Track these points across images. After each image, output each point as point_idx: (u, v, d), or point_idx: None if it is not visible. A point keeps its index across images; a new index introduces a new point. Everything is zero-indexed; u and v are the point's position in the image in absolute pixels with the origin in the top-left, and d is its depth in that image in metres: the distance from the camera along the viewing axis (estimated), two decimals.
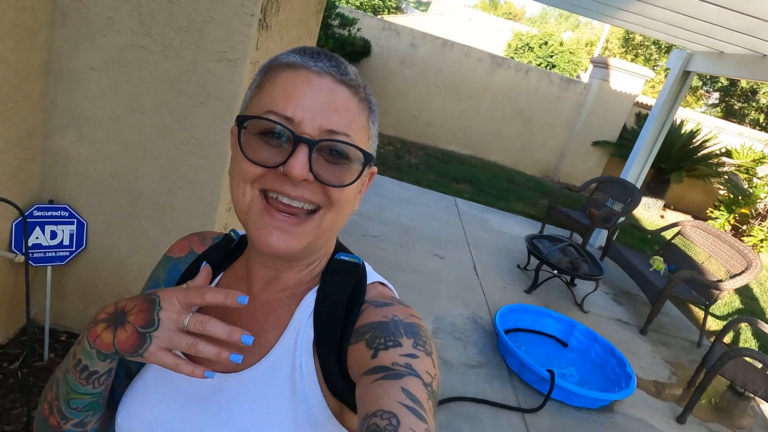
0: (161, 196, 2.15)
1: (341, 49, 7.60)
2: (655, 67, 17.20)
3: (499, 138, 9.40)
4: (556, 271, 4.24)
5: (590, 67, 9.87)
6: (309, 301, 0.64)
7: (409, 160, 8.07)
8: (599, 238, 6.27)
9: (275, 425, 0.58)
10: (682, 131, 8.83)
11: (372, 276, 0.67)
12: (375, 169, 0.63)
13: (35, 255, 2.09)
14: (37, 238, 2.08)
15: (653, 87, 18.56)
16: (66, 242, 2.17)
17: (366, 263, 0.68)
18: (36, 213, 2.06)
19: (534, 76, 9.16)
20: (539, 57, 15.62)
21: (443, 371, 3.05)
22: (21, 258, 1.99)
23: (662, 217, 9.16)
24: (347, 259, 0.66)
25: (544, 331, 3.77)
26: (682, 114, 9.43)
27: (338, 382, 0.58)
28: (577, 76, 15.05)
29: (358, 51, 8.17)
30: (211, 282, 0.70)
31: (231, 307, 0.64)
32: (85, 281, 2.31)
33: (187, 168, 2.10)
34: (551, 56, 15.55)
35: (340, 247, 0.70)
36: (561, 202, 7.46)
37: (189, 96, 1.99)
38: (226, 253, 0.72)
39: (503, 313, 3.60)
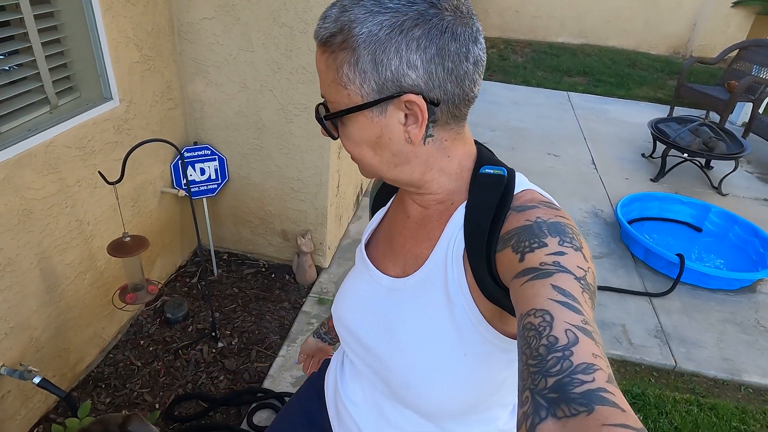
0: (281, 125, 2.40)
1: None
2: None
3: (617, 19, 8.42)
4: (686, 155, 3.92)
5: None
6: (458, 215, 0.67)
7: (514, 60, 7.65)
8: (742, 113, 5.55)
9: (434, 326, 0.67)
10: None
11: (522, 185, 0.66)
12: (410, 96, 0.58)
13: (192, 190, 2.49)
14: (190, 175, 2.47)
15: None
16: (213, 176, 2.54)
17: (518, 173, 0.69)
18: (186, 154, 2.43)
19: None
20: None
21: None
22: (182, 193, 2.39)
23: None
24: (491, 171, 0.67)
25: (673, 218, 3.59)
26: None
27: (491, 289, 0.61)
28: None
29: None
30: (385, 203, 0.85)
31: (394, 224, 0.79)
32: (233, 208, 2.70)
33: (299, 96, 2.30)
34: None
35: (486, 159, 0.70)
36: (693, 79, 6.65)
37: (290, 27, 2.15)
38: None
39: (625, 203, 3.47)
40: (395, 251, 0.76)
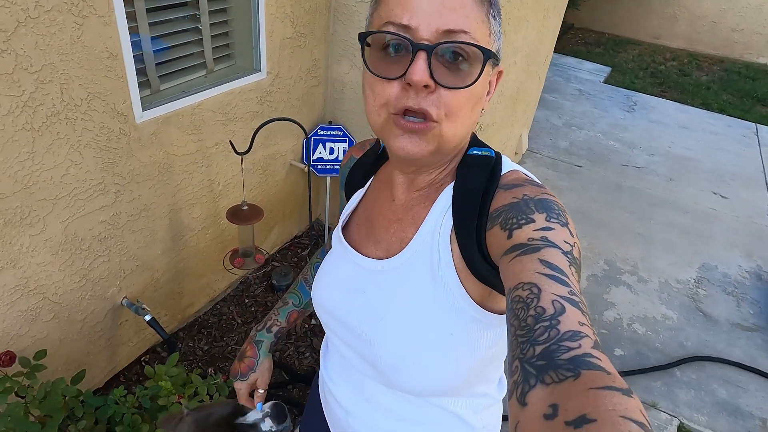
0: None
1: None
2: None
3: None
4: None
5: None
6: (445, 196, 0.67)
7: (697, 78, 6.72)
8: None
9: (421, 306, 0.66)
10: None
11: (508, 165, 0.66)
12: (501, 68, 0.63)
13: (318, 167, 2.55)
14: (320, 153, 2.53)
15: None
16: (340, 157, 2.58)
17: (504, 155, 0.69)
18: (320, 132, 2.49)
19: None
20: None
21: (703, 325, 2.67)
22: (307, 168, 2.46)
23: None
24: (480, 153, 0.67)
25: None
26: None
27: (482, 268, 0.61)
28: None
29: None
30: (363, 185, 0.81)
31: (376, 206, 0.76)
32: None
33: None
34: None
35: (474, 142, 0.70)
36: None
37: None
38: (375, 158, 0.80)
39: None
40: (378, 234, 0.74)
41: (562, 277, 0.46)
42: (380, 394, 0.77)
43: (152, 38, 1.65)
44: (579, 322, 0.42)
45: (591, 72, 6.42)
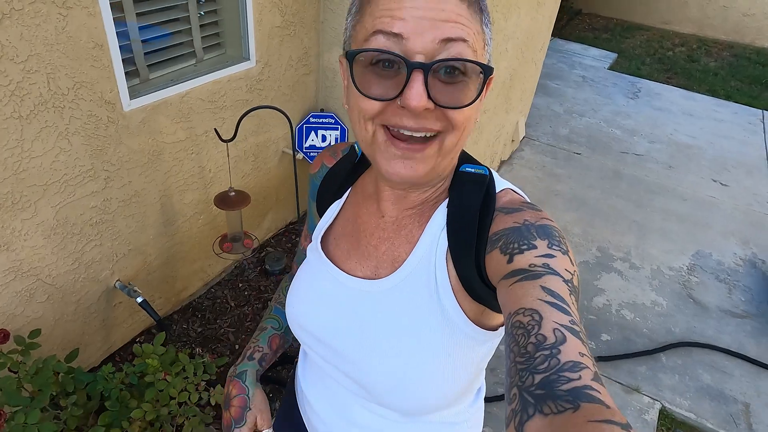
0: None
1: None
2: None
3: None
4: None
5: None
6: (440, 215, 0.65)
7: (705, 64, 6.62)
8: None
9: (417, 328, 0.64)
10: None
11: (501, 184, 0.65)
12: (493, 75, 0.58)
13: (311, 154, 2.59)
14: (312, 140, 2.56)
15: None
16: (332, 144, 2.61)
17: (493, 171, 0.67)
18: (312, 119, 2.53)
19: None
20: None
21: (693, 312, 2.68)
22: (301, 155, 2.50)
23: None
24: (473, 170, 0.65)
25: None
26: None
27: (478, 288, 0.60)
28: None
29: None
30: (340, 196, 0.75)
31: (360, 222, 0.71)
32: None
33: None
34: None
35: (465, 158, 0.68)
36: None
37: None
38: (351, 167, 0.75)
39: None
40: (364, 252, 0.70)
41: (564, 306, 0.46)
42: (367, 413, 0.75)
43: (147, 26, 1.69)
44: (580, 352, 0.42)
45: (596, 58, 6.35)
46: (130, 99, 1.67)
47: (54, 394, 1.44)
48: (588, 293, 2.73)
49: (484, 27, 0.55)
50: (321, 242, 0.76)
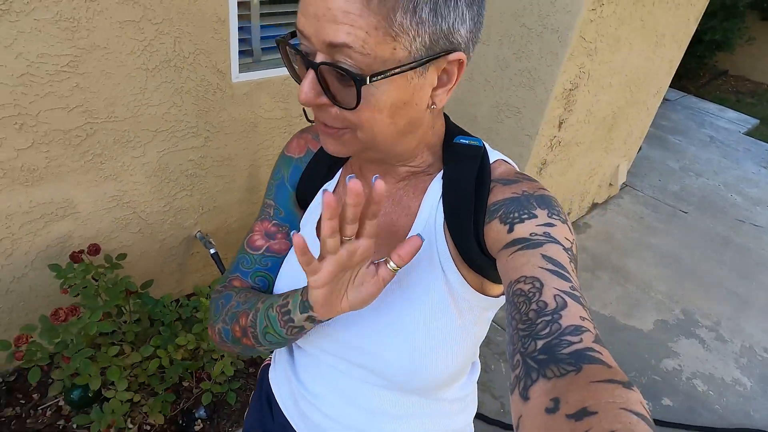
0: (491, 122, 2.39)
1: None
2: None
3: None
4: None
5: None
6: (436, 186, 0.64)
7: None
8: None
9: (429, 302, 0.63)
10: None
11: (493, 154, 0.66)
12: (461, 56, 0.52)
13: None
14: None
15: None
16: None
17: (485, 142, 0.67)
18: None
19: None
20: None
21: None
22: None
23: None
24: (467, 142, 0.65)
25: None
26: None
27: (477, 258, 0.60)
28: None
29: None
30: (330, 177, 0.74)
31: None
32: None
33: (515, 99, 2.25)
34: None
35: (457, 130, 0.67)
36: None
37: (528, 29, 2.10)
38: None
39: None
40: None
41: (564, 273, 0.47)
42: (377, 397, 0.72)
43: (268, 14, 1.93)
44: (580, 316, 0.42)
45: (732, 121, 5.85)
46: (239, 72, 1.89)
47: (121, 306, 1.66)
48: (658, 353, 2.51)
49: (396, 15, 0.47)
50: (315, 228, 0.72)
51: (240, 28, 1.82)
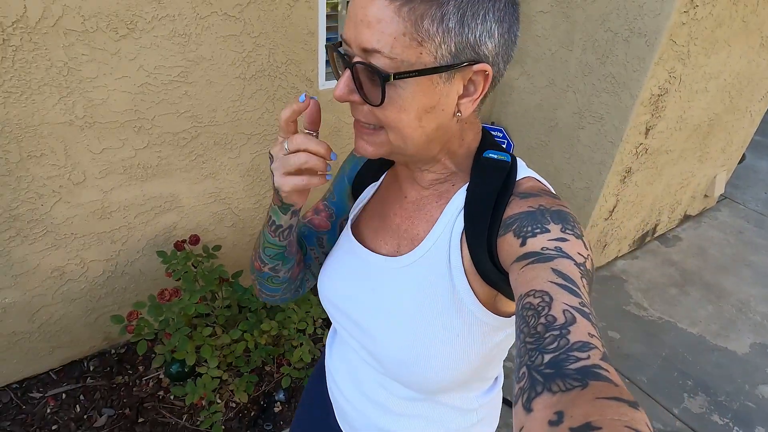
0: (572, 129, 2.35)
1: None
2: None
3: None
4: None
5: None
6: (459, 198, 0.67)
7: None
8: None
9: (430, 305, 0.67)
10: None
11: (524, 171, 0.66)
12: (485, 68, 0.55)
13: None
14: None
15: None
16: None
17: (519, 159, 0.69)
18: None
19: None
20: None
21: None
22: None
23: None
24: (495, 156, 0.66)
25: None
26: None
27: (490, 272, 0.62)
28: None
29: None
30: (377, 179, 0.82)
31: (388, 202, 0.76)
32: None
33: (599, 104, 2.20)
34: None
35: (490, 144, 0.69)
36: None
37: (614, 33, 2.05)
38: None
39: None
40: (389, 229, 0.75)
41: (574, 288, 0.47)
42: (381, 388, 0.78)
43: None
44: (589, 333, 0.42)
45: None
46: (325, 80, 2.03)
47: (214, 292, 1.84)
48: (754, 378, 2.33)
49: (420, 22, 0.51)
50: (355, 221, 0.81)
51: (327, 39, 1.95)
